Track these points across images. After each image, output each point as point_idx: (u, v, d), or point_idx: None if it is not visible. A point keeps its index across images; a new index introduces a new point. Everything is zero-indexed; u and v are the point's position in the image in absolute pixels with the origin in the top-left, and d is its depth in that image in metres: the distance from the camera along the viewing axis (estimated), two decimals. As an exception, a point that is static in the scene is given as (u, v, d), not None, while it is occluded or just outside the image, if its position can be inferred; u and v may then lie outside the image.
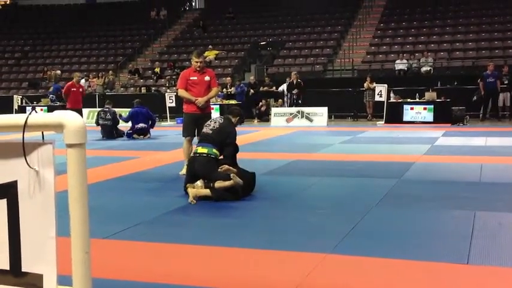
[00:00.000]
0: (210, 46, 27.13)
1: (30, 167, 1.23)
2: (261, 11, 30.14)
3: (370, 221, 5.17)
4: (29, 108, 21.61)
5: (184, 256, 4.23)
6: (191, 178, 6.35)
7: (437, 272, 3.75)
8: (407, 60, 22.59)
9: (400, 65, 22.36)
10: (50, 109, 20.73)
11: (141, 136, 14.13)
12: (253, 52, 27.12)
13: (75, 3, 35.68)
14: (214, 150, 6.46)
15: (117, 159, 9.97)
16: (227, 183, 6.12)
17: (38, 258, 1.27)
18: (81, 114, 13.29)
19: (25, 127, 1.20)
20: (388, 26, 26.90)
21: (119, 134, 14.43)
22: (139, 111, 14.40)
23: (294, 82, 19.73)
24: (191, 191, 6.12)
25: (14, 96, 22.62)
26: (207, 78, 8.08)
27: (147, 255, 4.26)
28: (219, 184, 6.13)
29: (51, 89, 23.38)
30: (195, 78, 8.04)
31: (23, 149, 1.22)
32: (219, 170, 6.24)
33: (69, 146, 1.17)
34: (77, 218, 1.20)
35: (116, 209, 6.03)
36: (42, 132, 1.24)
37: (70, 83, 14.51)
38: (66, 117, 1.18)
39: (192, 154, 6.66)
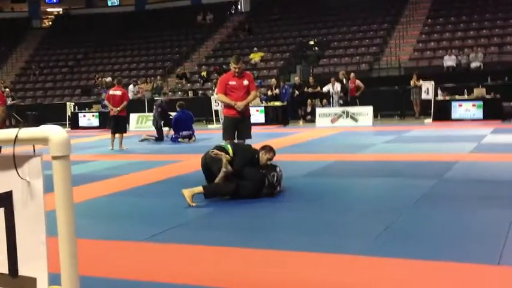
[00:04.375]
0: (255, 48, 27.30)
1: (22, 178, 1.33)
2: (306, 12, 30.09)
3: (404, 222, 5.14)
4: (81, 115, 22.31)
5: (219, 258, 4.32)
6: (205, 174, 6.87)
7: (468, 273, 3.70)
8: (456, 56, 22.09)
9: (449, 61, 21.89)
10: (101, 115, 21.35)
11: (186, 139, 14.36)
12: (298, 53, 27.11)
13: (124, 11, 36.65)
14: (229, 146, 6.85)
15: (161, 163, 10.20)
16: (220, 174, 6.45)
17: (32, 262, 1.37)
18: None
19: (15, 141, 1.30)
20: (436, 22, 26.38)
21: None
22: (183, 117, 14.57)
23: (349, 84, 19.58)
24: (185, 192, 6.22)
25: (67, 103, 23.40)
26: (245, 82, 8.18)
27: (182, 257, 4.38)
28: (217, 180, 6.47)
29: (103, 96, 24.05)
30: (234, 83, 8.15)
31: (14, 162, 1.32)
32: (209, 152, 6.71)
33: (54, 158, 1.26)
34: (63, 221, 1.29)
35: (155, 211, 6.19)
36: (34, 146, 1.34)
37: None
38: (51, 131, 1.27)
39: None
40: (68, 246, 1.30)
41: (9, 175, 1.36)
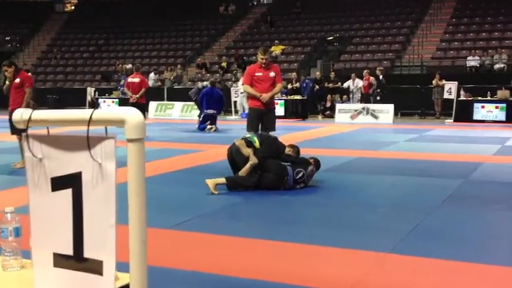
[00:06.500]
0: (276, 41, 27.20)
1: (93, 159, 1.32)
2: (329, 6, 29.86)
3: (432, 222, 5.09)
4: (100, 101, 22.42)
5: (242, 249, 4.32)
6: (230, 165, 6.87)
7: (496, 275, 3.66)
8: (479, 56, 21.84)
9: (472, 61, 21.65)
10: (120, 101, 21.45)
11: (209, 126, 14.47)
12: (319, 47, 26.97)
13: (146, -1, 36.63)
14: (255, 138, 6.80)
15: (183, 151, 10.23)
16: (246, 166, 6.46)
17: (99, 245, 1.36)
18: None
19: (90, 122, 1.29)
20: (460, 22, 26.06)
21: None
22: (211, 93, 14.55)
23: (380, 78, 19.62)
24: (208, 182, 6.30)
25: (88, 88, 23.48)
26: (272, 74, 8.14)
27: (207, 246, 4.38)
28: (241, 172, 6.48)
29: (122, 82, 24.13)
30: (260, 74, 8.11)
31: (88, 143, 1.31)
32: (235, 143, 6.71)
33: (130, 140, 1.25)
34: (135, 208, 1.27)
35: (180, 200, 6.22)
36: (106, 127, 1.33)
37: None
38: (127, 113, 1.26)
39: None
40: (139, 232, 1.29)
41: (80, 156, 1.35)
